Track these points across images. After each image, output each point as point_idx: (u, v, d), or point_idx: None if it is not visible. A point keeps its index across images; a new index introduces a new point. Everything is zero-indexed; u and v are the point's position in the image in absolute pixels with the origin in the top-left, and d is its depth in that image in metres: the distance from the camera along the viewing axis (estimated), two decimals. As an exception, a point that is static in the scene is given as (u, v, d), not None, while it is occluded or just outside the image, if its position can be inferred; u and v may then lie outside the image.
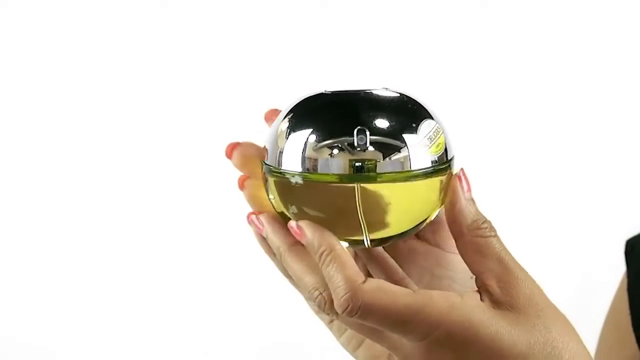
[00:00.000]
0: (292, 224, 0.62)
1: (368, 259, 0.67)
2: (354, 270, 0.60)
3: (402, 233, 0.63)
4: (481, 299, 0.61)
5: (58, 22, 1.78)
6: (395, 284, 0.62)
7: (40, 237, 1.79)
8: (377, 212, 0.61)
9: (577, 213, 1.79)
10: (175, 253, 1.79)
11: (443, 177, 0.62)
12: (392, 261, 0.67)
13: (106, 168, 1.79)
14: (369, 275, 0.67)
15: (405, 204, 0.61)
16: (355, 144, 0.59)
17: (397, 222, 0.62)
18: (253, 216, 0.65)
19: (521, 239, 1.72)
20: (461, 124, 1.75)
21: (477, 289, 0.62)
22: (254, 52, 1.79)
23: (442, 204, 0.63)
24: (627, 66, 1.78)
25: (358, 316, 0.59)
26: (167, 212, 1.79)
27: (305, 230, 0.61)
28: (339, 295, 0.59)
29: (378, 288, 0.59)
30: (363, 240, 0.63)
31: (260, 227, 0.64)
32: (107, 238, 1.79)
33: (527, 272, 0.61)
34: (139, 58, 1.79)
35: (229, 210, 1.74)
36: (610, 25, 1.77)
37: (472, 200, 0.62)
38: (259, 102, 1.78)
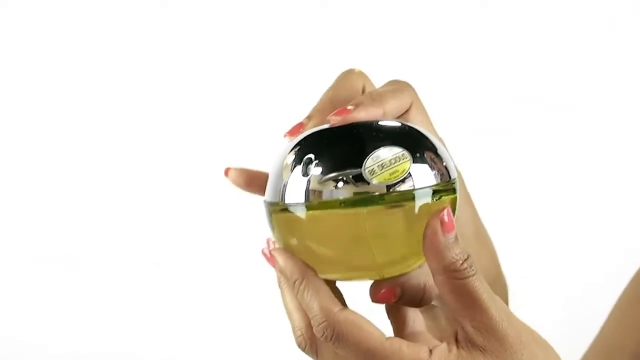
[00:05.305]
0: (265, 250, 0.64)
1: (388, 310, 0.67)
2: (329, 297, 0.61)
3: (414, 259, 0.63)
4: (456, 338, 0.61)
5: (58, 22, 1.78)
6: (401, 337, 0.63)
7: (37, 238, 1.79)
8: (385, 239, 0.61)
9: (579, 215, 1.79)
10: (175, 254, 1.80)
11: (449, 198, 0.62)
12: (409, 315, 0.66)
13: (105, 168, 1.79)
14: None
15: (413, 228, 0.61)
16: (302, 172, 0.61)
17: (407, 247, 0.62)
18: (266, 250, 0.65)
19: (524, 241, 1.72)
20: (460, 126, 1.76)
21: (454, 330, 0.62)
22: (253, 52, 1.79)
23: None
24: (627, 68, 1.78)
25: (332, 344, 0.61)
26: (167, 212, 1.80)
27: (278, 258, 0.63)
28: (317, 323, 0.61)
29: (352, 322, 0.60)
30: (375, 269, 0.62)
31: (272, 259, 0.64)
32: (106, 239, 1.80)
33: (504, 311, 0.61)
34: (139, 58, 1.79)
35: (228, 211, 1.74)
36: (610, 26, 1.77)
37: (455, 239, 0.60)
38: (258, 102, 1.79)
